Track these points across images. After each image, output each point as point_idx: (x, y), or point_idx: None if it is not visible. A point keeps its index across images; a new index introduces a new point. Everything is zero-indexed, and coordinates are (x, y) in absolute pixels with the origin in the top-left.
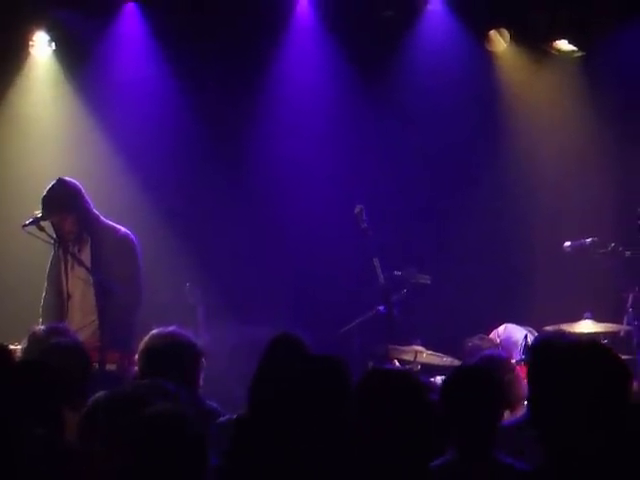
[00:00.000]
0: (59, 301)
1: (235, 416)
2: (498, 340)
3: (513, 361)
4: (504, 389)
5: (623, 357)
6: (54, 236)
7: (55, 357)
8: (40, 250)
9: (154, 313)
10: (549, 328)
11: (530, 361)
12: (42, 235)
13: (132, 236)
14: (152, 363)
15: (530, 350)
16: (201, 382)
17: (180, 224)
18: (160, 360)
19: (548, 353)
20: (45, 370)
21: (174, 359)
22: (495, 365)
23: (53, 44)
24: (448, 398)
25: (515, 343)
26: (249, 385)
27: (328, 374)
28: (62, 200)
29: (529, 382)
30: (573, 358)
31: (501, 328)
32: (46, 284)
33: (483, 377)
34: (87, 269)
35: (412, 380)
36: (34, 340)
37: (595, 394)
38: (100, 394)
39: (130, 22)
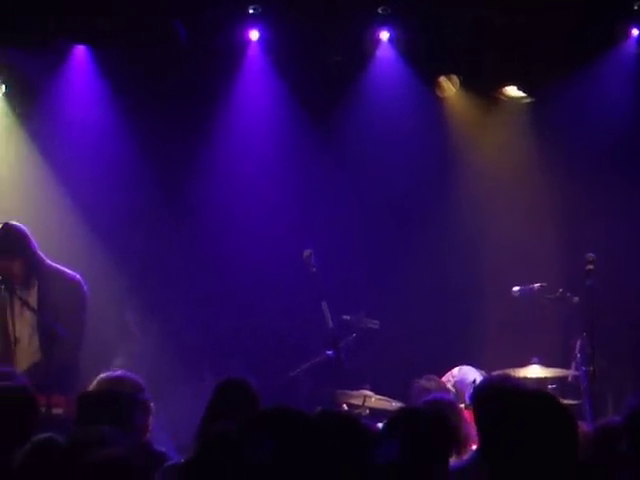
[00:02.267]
0: (5, 345)
1: (183, 459)
2: (452, 381)
3: (463, 405)
4: (450, 432)
5: (571, 402)
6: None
7: (2, 402)
8: None
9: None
10: (496, 373)
11: (474, 407)
12: None
13: (79, 279)
14: (88, 408)
15: (473, 396)
16: (150, 427)
17: (131, 266)
18: (95, 405)
19: (493, 401)
20: None
21: (110, 405)
22: (440, 408)
23: (3, 86)
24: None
25: (469, 385)
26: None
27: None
28: (9, 245)
29: (478, 428)
30: (521, 408)
31: (455, 370)
32: None
33: (428, 420)
34: (34, 312)
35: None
36: None
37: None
38: (39, 438)
39: (80, 64)
